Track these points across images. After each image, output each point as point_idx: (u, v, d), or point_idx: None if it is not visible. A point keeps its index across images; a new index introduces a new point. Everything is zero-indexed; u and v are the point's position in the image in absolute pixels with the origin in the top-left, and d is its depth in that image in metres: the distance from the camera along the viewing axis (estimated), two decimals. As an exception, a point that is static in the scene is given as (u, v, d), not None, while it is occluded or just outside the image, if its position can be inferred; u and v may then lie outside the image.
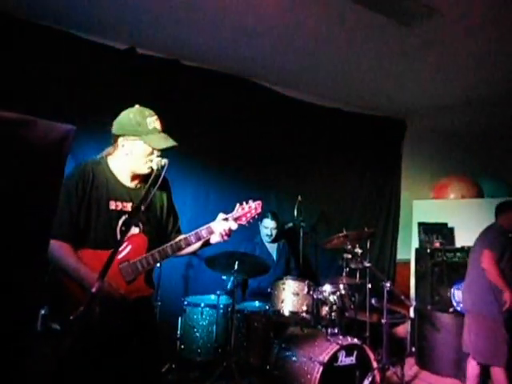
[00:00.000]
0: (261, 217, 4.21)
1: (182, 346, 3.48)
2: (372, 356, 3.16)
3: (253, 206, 2.10)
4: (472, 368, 3.48)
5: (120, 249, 1.88)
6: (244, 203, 2.11)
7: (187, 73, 4.30)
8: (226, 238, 2.04)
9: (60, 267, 1.83)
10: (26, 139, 1.34)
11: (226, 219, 2.04)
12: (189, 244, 1.99)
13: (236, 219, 2.06)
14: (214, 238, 2.07)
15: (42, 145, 1.45)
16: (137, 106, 1.99)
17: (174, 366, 3.48)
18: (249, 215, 2.09)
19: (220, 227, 2.02)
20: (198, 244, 2.07)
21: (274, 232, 4.21)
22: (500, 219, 3.53)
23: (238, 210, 2.09)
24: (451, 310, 4.23)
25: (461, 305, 4.05)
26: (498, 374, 3.27)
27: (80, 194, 1.88)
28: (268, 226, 4.18)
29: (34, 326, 2.28)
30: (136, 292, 1.93)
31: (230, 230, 2.03)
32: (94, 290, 1.36)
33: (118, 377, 1.89)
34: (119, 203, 1.95)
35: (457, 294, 4.21)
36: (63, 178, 1.48)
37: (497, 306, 3.29)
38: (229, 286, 3.71)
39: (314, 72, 4.55)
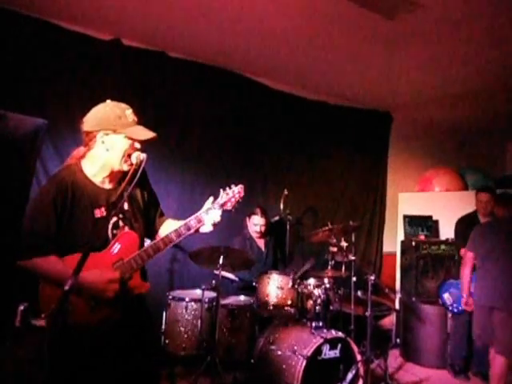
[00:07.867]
0: (249, 213, 4.21)
1: (167, 341, 3.45)
2: (356, 349, 3.17)
3: (236, 191, 2.12)
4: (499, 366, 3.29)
5: (112, 249, 1.87)
6: (227, 188, 2.13)
7: (174, 65, 4.25)
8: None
9: (51, 280, 1.75)
10: (-6, 133, 1.30)
11: (212, 206, 2.06)
12: (180, 236, 1.99)
13: (222, 205, 2.08)
14: (205, 228, 2.07)
15: (12, 138, 1.41)
16: (109, 101, 1.91)
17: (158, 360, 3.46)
18: (233, 200, 2.11)
19: (209, 217, 2.04)
20: (188, 233, 2.05)
21: (263, 229, 4.19)
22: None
23: (223, 196, 2.10)
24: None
25: (455, 306, 4.01)
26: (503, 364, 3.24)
27: (59, 209, 1.79)
28: (258, 223, 4.16)
29: (10, 322, 2.24)
30: (134, 290, 1.92)
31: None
32: (66, 287, 1.32)
33: (112, 375, 1.88)
34: (103, 209, 1.89)
35: (447, 298, 4.14)
36: (35, 169, 1.44)
37: None
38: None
39: (300, 65, 4.53)
